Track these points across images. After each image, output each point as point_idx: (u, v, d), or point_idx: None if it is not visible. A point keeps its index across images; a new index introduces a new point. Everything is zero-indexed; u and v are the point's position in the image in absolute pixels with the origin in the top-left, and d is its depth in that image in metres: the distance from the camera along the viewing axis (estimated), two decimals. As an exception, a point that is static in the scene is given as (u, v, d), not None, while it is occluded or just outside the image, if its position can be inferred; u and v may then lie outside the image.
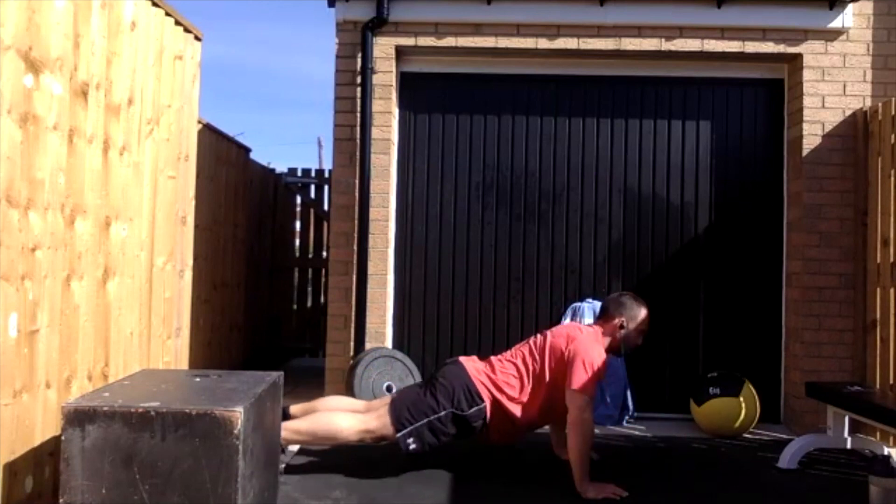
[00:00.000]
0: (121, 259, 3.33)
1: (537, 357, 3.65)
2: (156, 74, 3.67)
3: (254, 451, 2.68)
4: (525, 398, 3.61)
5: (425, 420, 3.52)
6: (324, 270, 7.61)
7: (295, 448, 3.98)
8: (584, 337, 3.60)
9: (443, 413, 3.53)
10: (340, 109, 5.00)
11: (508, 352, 3.80)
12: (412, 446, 3.51)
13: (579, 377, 3.45)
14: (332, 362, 4.97)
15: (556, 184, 5.21)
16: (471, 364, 3.71)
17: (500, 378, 3.64)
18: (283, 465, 3.54)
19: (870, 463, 3.50)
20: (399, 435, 3.50)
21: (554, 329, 3.76)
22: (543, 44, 4.97)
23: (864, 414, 3.69)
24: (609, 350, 3.71)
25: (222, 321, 5.91)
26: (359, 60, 4.95)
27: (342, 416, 3.60)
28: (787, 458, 3.93)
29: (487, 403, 3.58)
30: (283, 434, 3.40)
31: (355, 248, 4.93)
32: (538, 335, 3.77)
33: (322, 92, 10.44)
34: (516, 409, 3.60)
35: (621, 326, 3.71)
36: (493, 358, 3.78)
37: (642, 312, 3.76)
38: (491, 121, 5.24)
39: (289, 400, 3.88)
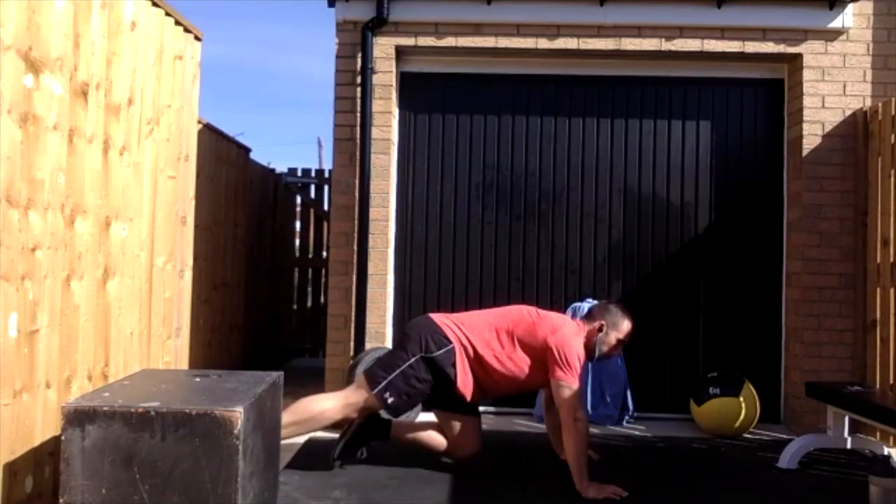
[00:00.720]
0: (121, 259, 3.33)
1: (519, 326, 3.66)
2: (156, 74, 3.67)
3: (254, 451, 2.68)
4: (488, 354, 3.63)
5: (398, 371, 3.58)
6: (324, 270, 7.61)
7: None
8: (566, 329, 3.62)
9: (413, 360, 3.59)
10: (340, 109, 5.00)
11: (494, 308, 3.89)
12: (390, 400, 3.56)
13: (562, 370, 3.48)
14: (332, 362, 4.97)
15: (556, 184, 5.21)
16: (438, 315, 3.80)
17: (465, 323, 3.70)
18: (282, 467, 3.54)
19: (870, 463, 3.50)
20: (375, 392, 3.56)
21: (543, 312, 3.77)
22: (543, 44, 4.97)
23: (864, 414, 3.69)
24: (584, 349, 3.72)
25: (222, 321, 5.91)
26: (359, 60, 4.95)
27: (321, 398, 3.74)
28: (787, 458, 3.93)
29: (456, 345, 3.62)
30: None
31: (355, 248, 4.92)
32: (531, 308, 3.80)
33: (322, 92, 10.42)
34: (478, 362, 3.63)
35: (599, 329, 3.72)
36: (467, 312, 3.88)
37: (625, 323, 3.76)
38: (491, 121, 5.24)
39: (289, 400, 3.88)
